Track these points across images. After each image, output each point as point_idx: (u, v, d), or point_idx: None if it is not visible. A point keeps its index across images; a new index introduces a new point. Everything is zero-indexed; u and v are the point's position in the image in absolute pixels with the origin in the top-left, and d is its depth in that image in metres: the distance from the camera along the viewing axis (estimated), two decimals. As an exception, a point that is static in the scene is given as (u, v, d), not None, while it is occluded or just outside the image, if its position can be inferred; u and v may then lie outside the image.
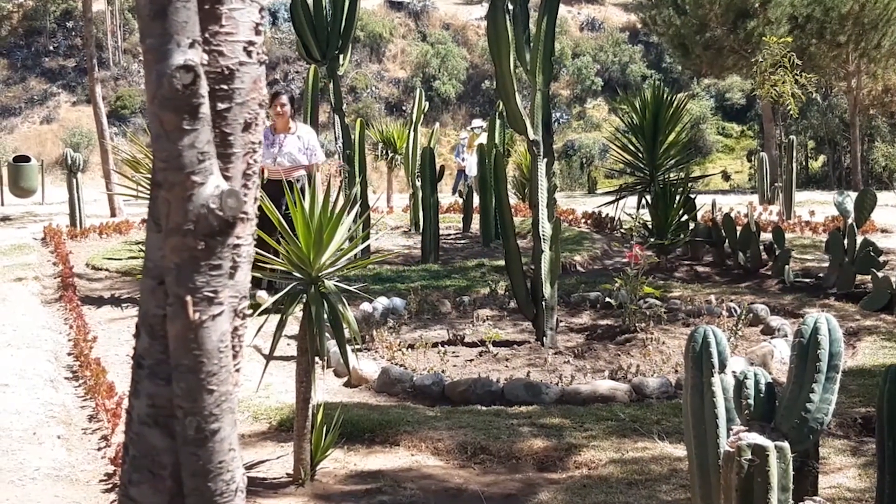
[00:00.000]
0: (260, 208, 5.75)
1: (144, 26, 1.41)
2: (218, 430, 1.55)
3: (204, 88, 1.44)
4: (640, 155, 12.14)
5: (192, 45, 1.42)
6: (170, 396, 1.56)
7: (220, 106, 1.53)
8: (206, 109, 1.45)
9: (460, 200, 17.29)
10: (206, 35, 1.50)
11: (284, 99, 9.25)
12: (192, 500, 1.58)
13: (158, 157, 1.46)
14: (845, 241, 9.19)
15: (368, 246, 11.22)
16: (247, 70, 1.56)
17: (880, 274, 8.60)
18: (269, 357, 4.89)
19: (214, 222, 1.46)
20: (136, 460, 1.64)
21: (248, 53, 1.55)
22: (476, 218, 14.83)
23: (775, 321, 7.91)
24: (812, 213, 15.46)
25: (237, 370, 1.61)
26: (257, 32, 1.57)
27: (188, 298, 1.48)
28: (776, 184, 18.95)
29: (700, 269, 11.25)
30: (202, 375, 1.51)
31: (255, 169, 1.61)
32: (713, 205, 13.24)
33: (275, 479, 4.91)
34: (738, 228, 11.08)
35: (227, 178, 1.53)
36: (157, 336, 1.58)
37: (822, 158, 33.29)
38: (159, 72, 1.40)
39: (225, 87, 1.53)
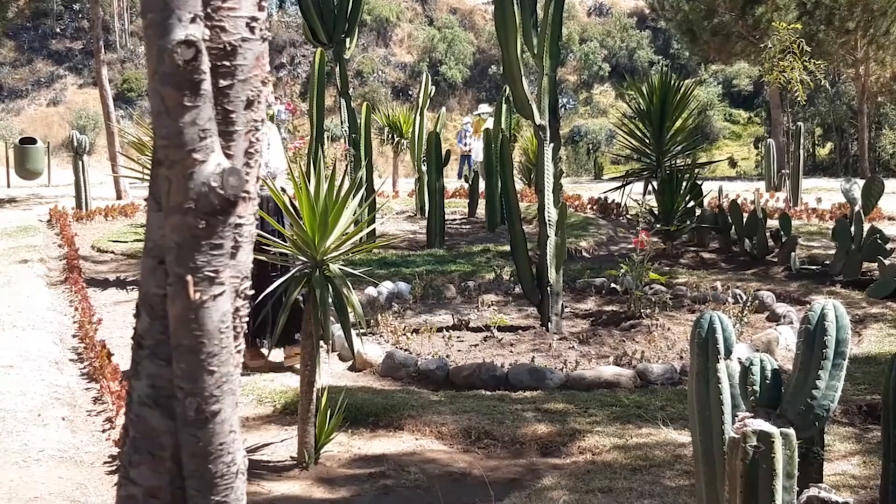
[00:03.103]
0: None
1: (146, 0, 1.40)
2: (218, 411, 1.53)
3: (205, 64, 1.42)
4: (647, 141, 12.10)
5: (193, 20, 1.40)
6: (170, 377, 1.55)
7: (222, 83, 1.50)
8: (207, 86, 1.43)
9: (466, 185, 17.26)
10: (208, 10, 1.47)
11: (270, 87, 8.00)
12: (192, 481, 1.57)
13: (159, 134, 1.45)
14: (852, 229, 9.15)
15: (374, 230, 11.20)
16: (249, 46, 1.53)
17: (887, 261, 8.57)
18: (274, 341, 4.89)
19: (215, 201, 1.44)
20: (136, 441, 1.62)
21: (251, 29, 1.53)
22: (481, 203, 14.80)
23: (781, 308, 7.89)
24: (819, 200, 15.41)
25: (238, 351, 1.60)
26: (260, 8, 1.55)
27: (189, 278, 1.46)
28: (783, 171, 18.89)
29: (706, 255, 11.22)
30: (203, 356, 1.49)
31: (258, 147, 1.59)
32: (720, 191, 13.21)
33: (279, 462, 4.91)
34: (745, 215, 11.03)
35: (228, 157, 1.51)
36: (157, 316, 1.57)
37: (829, 145, 33.21)
38: (160, 47, 1.38)
39: (227, 63, 1.51)
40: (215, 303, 1.49)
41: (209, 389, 1.51)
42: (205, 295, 1.48)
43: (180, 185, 1.43)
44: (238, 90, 1.52)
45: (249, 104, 1.54)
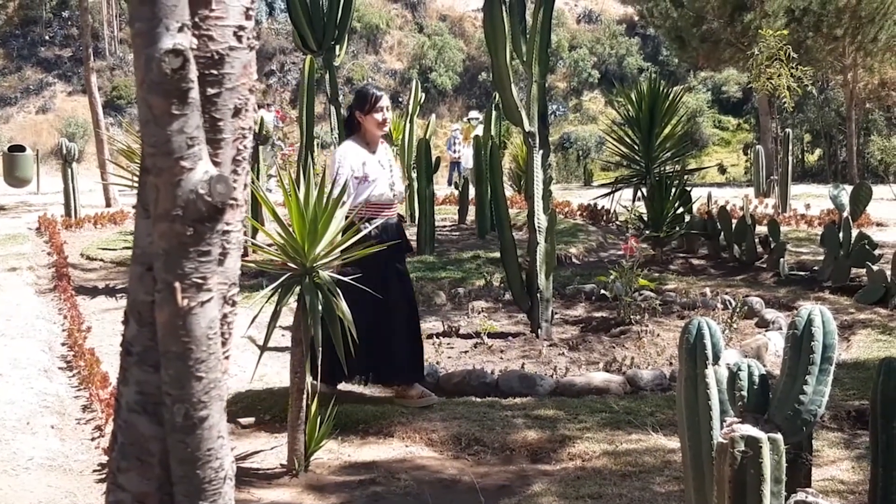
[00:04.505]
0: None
1: (134, 10, 1.40)
2: (206, 417, 1.54)
3: (193, 73, 1.43)
4: (637, 147, 12.12)
5: (181, 29, 1.41)
6: (158, 384, 1.55)
7: (210, 91, 1.51)
8: (195, 94, 1.44)
9: (456, 192, 17.28)
10: (196, 19, 1.48)
11: (387, 100, 6.03)
12: (180, 487, 1.58)
13: (147, 142, 1.45)
14: (840, 235, 9.19)
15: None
16: (237, 55, 1.54)
17: (875, 267, 8.60)
18: (264, 348, 4.88)
19: (203, 208, 1.44)
20: (125, 448, 1.63)
21: (239, 38, 1.54)
22: (471, 210, 14.82)
23: (770, 314, 7.91)
24: (808, 206, 15.47)
25: (226, 357, 1.60)
26: (247, 17, 1.56)
27: (177, 285, 1.47)
28: (772, 177, 18.96)
29: (695, 261, 11.25)
30: (190, 362, 1.50)
31: (245, 155, 1.60)
32: (709, 197, 13.24)
33: (269, 469, 4.91)
34: (734, 221, 11.07)
35: (216, 164, 1.52)
36: (145, 323, 1.57)
37: (818, 152, 33.31)
38: (148, 56, 1.39)
39: (215, 71, 1.52)
40: (203, 309, 1.50)
41: (197, 395, 1.52)
42: (192, 301, 1.48)
43: (168, 193, 1.44)
44: (226, 98, 1.53)
45: (237, 112, 1.55)
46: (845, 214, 9.21)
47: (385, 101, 5.91)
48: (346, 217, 5.65)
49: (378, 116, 5.86)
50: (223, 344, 1.58)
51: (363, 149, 5.88)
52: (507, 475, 4.78)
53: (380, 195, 5.78)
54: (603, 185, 15.37)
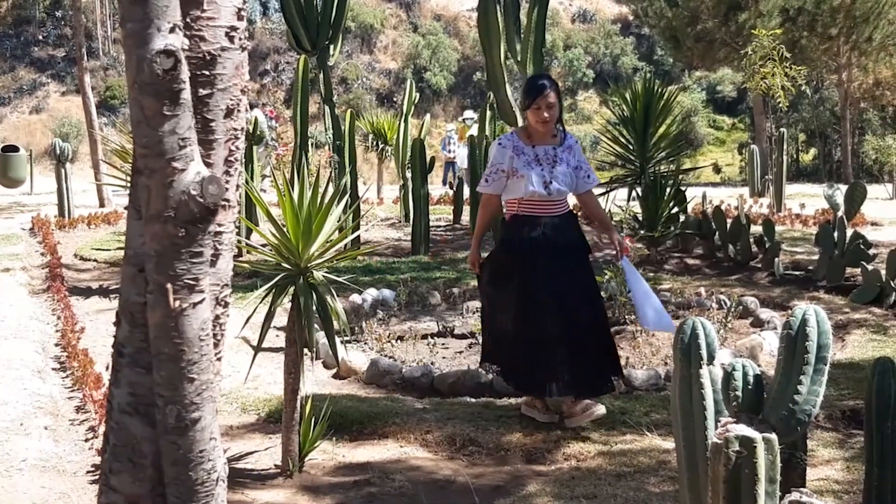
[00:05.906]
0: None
1: (125, 10, 1.39)
2: (199, 419, 1.53)
3: (185, 74, 1.42)
4: (631, 147, 12.11)
5: (172, 30, 1.40)
6: (150, 385, 1.55)
7: (202, 92, 1.51)
8: (187, 95, 1.43)
9: (450, 192, 17.27)
10: (188, 20, 1.48)
11: (552, 96, 5.36)
12: (172, 488, 1.57)
13: (139, 143, 1.45)
14: (835, 234, 9.19)
15: (358, 237, 11.20)
16: (229, 55, 1.54)
17: (870, 267, 8.60)
18: (258, 348, 4.88)
19: (195, 209, 1.44)
20: (117, 449, 1.62)
21: (231, 39, 1.53)
22: (466, 209, 14.81)
23: (765, 313, 7.91)
24: (802, 205, 15.48)
25: (218, 359, 1.60)
26: (240, 17, 1.55)
27: (168, 286, 1.46)
28: (767, 176, 18.99)
29: (690, 261, 11.24)
30: (183, 364, 1.49)
31: (238, 156, 1.59)
32: (703, 197, 13.24)
33: (263, 470, 4.90)
34: (729, 221, 11.07)
35: (208, 165, 1.51)
36: (137, 324, 1.57)
37: (812, 151, 33.39)
38: (140, 56, 1.38)
39: (206, 72, 1.51)
40: (195, 310, 1.49)
41: (189, 397, 1.51)
42: (184, 303, 1.48)
43: (160, 194, 1.43)
44: (218, 99, 1.52)
45: (229, 113, 1.54)
46: (840, 214, 9.22)
47: (546, 99, 5.29)
48: (507, 213, 5.56)
49: (536, 114, 5.34)
50: (216, 345, 1.58)
51: (519, 142, 5.44)
52: (501, 476, 4.77)
53: (532, 192, 5.34)
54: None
